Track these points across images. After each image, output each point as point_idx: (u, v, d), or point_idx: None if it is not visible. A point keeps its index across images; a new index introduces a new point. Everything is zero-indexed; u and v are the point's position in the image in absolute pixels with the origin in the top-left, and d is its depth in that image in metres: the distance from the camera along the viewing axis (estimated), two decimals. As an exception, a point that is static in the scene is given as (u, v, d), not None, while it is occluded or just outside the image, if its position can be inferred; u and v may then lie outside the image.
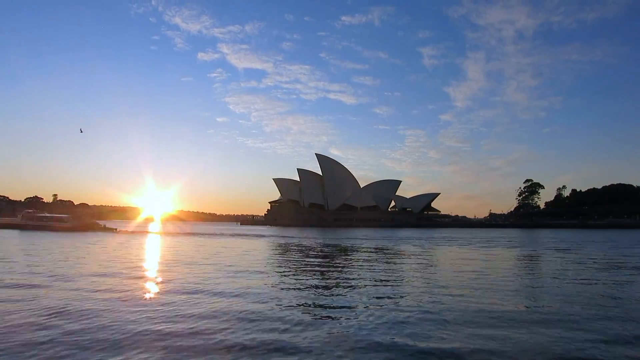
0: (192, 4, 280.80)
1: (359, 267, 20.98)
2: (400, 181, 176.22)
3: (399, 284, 15.23)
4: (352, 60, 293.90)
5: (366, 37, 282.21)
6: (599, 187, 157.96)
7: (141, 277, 16.52)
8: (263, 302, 11.45)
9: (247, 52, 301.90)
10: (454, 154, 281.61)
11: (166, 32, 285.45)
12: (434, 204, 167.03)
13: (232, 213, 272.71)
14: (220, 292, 12.89)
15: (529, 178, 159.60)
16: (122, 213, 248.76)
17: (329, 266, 21.45)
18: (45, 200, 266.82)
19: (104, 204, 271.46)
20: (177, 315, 9.74)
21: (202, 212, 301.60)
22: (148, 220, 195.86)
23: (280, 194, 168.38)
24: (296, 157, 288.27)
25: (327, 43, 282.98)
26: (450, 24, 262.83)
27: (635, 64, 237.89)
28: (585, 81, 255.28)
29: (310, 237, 54.12)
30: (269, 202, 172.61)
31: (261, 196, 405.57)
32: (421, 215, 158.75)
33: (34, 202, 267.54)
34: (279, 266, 21.20)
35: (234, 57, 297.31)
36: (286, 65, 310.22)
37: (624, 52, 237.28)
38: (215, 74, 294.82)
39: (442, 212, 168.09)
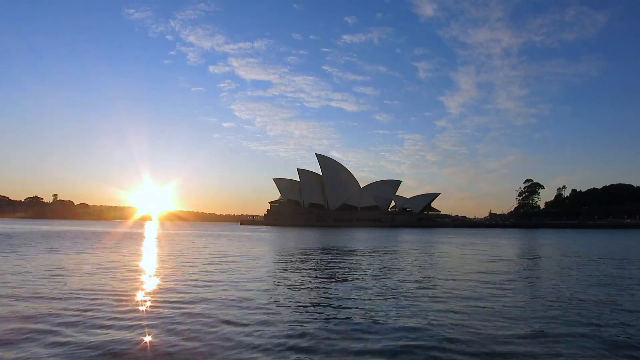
0: (207, 24, 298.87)
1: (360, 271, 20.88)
2: (401, 181, 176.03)
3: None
4: (353, 72, 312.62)
5: (367, 53, 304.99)
6: (599, 187, 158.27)
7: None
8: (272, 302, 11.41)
9: (254, 65, 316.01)
10: (450, 156, 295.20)
11: (180, 48, 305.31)
12: (434, 204, 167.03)
13: (232, 213, 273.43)
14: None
15: (528, 178, 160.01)
16: (121, 212, 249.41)
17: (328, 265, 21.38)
18: (45, 200, 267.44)
19: (104, 204, 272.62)
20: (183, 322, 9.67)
21: (202, 212, 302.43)
22: (144, 219, 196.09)
23: (280, 194, 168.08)
24: (298, 159, 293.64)
25: (331, 58, 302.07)
26: (442, 42, 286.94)
27: (616, 76, 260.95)
28: (572, 91, 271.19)
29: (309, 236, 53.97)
30: (269, 202, 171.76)
31: (261, 196, 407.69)
32: (421, 215, 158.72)
33: (34, 202, 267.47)
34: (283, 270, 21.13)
35: (242, 70, 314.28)
36: (291, 76, 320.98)
37: (604, 66, 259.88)
38: (224, 84, 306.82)
39: (442, 212, 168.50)
